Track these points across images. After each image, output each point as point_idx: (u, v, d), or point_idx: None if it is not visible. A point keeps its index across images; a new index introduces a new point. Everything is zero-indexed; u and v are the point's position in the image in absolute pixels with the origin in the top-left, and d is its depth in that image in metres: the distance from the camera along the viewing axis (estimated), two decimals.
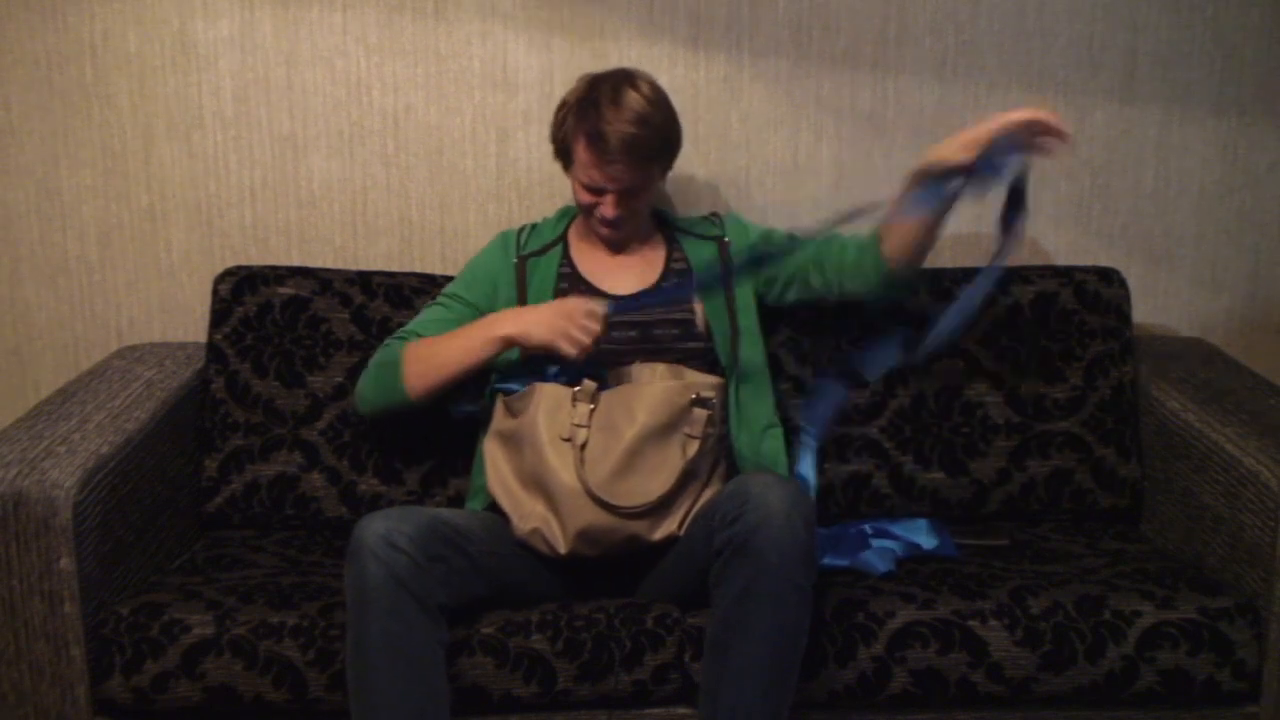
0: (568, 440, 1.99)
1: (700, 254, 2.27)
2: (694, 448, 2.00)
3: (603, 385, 2.04)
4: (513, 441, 2.06)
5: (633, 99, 2.12)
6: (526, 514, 2.01)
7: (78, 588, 1.91)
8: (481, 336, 2.10)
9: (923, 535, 2.21)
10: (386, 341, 2.23)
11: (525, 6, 2.50)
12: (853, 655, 1.96)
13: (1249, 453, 2.05)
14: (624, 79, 2.16)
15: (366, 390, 2.22)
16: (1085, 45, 2.55)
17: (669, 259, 2.27)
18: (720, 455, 2.09)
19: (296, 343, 2.38)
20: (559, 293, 2.20)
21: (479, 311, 2.21)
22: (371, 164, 2.56)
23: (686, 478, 2.00)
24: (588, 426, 2.00)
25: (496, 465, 2.07)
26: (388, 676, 1.79)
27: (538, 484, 2.01)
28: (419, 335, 2.19)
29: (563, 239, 2.29)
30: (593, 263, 2.25)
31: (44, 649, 1.92)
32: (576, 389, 2.02)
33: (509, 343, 2.09)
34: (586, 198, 2.19)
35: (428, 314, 2.24)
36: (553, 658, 1.94)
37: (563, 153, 2.23)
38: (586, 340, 2.03)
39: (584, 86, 2.18)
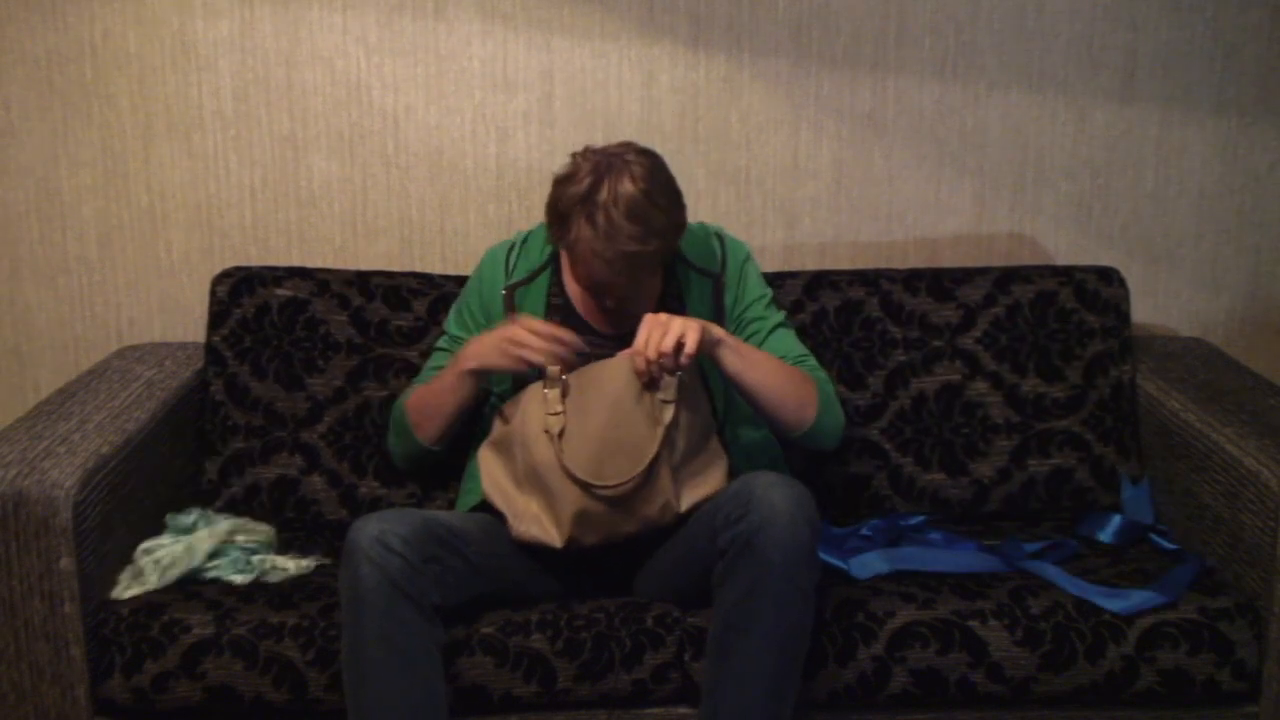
0: (548, 431, 1.98)
1: (695, 297, 2.15)
2: (669, 413, 1.96)
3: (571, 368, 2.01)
4: (504, 446, 2.05)
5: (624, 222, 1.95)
6: (520, 512, 2.00)
7: (78, 588, 1.90)
8: (454, 373, 2.10)
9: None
10: (403, 395, 2.24)
11: (525, 6, 2.50)
12: (853, 655, 1.96)
13: (1249, 453, 2.05)
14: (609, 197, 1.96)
15: (394, 449, 2.26)
16: (1085, 45, 2.55)
17: (665, 292, 2.15)
18: (707, 416, 2.04)
19: (295, 345, 2.37)
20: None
21: None
22: (371, 164, 2.56)
23: (666, 444, 1.96)
24: (563, 412, 1.97)
25: (490, 472, 2.06)
26: (384, 678, 1.79)
27: (530, 479, 2.00)
28: (427, 385, 2.19)
29: (551, 262, 2.17)
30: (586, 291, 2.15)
31: (44, 649, 1.92)
32: (545, 378, 1.99)
33: (477, 374, 2.08)
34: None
35: (435, 361, 2.24)
36: (553, 657, 1.94)
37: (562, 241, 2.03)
38: (515, 352, 1.99)
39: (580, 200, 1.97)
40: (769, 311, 2.20)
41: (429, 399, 2.15)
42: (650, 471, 1.95)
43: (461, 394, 2.11)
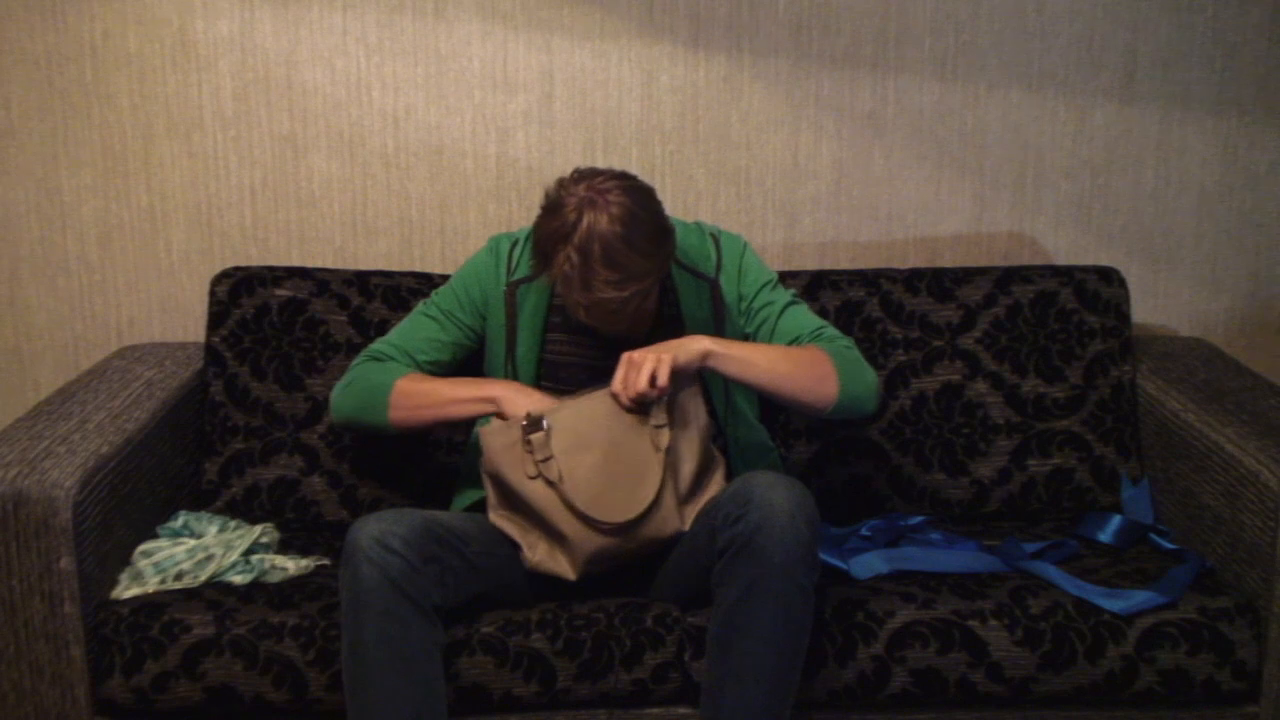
0: (536, 478, 1.93)
1: (691, 302, 2.13)
2: (665, 437, 1.95)
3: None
4: (495, 482, 2.00)
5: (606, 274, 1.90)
6: (532, 544, 1.99)
7: (78, 588, 1.91)
8: (472, 394, 2.06)
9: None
10: (371, 353, 2.17)
11: (525, 6, 2.51)
12: (853, 655, 1.96)
13: (1249, 453, 2.05)
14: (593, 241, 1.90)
15: (346, 405, 2.16)
16: (1085, 45, 2.55)
17: (662, 301, 2.12)
18: (706, 424, 2.03)
19: (295, 345, 2.37)
20: (551, 326, 2.12)
21: (474, 332, 2.17)
22: (371, 164, 2.56)
23: (670, 469, 1.95)
24: (552, 456, 1.93)
25: (493, 501, 2.02)
26: (383, 678, 1.79)
27: (535, 524, 1.98)
28: (407, 352, 2.14)
29: None
30: None
31: (44, 649, 1.92)
32: (523, 423, 1.94)
33: (494, 404, 2.03)
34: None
35: (420, 327, 2.17)
36: (552, 657, 1.94)
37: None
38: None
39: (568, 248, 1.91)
40: (775, 294, 2.16)
41: (422, 397, 2.10)
42: (657, 499, 1.94)
43: (467, 413, 2.07)
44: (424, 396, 2.10)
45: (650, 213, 1.96)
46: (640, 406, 1.94)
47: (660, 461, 1.95)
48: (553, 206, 1.94)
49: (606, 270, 1.89)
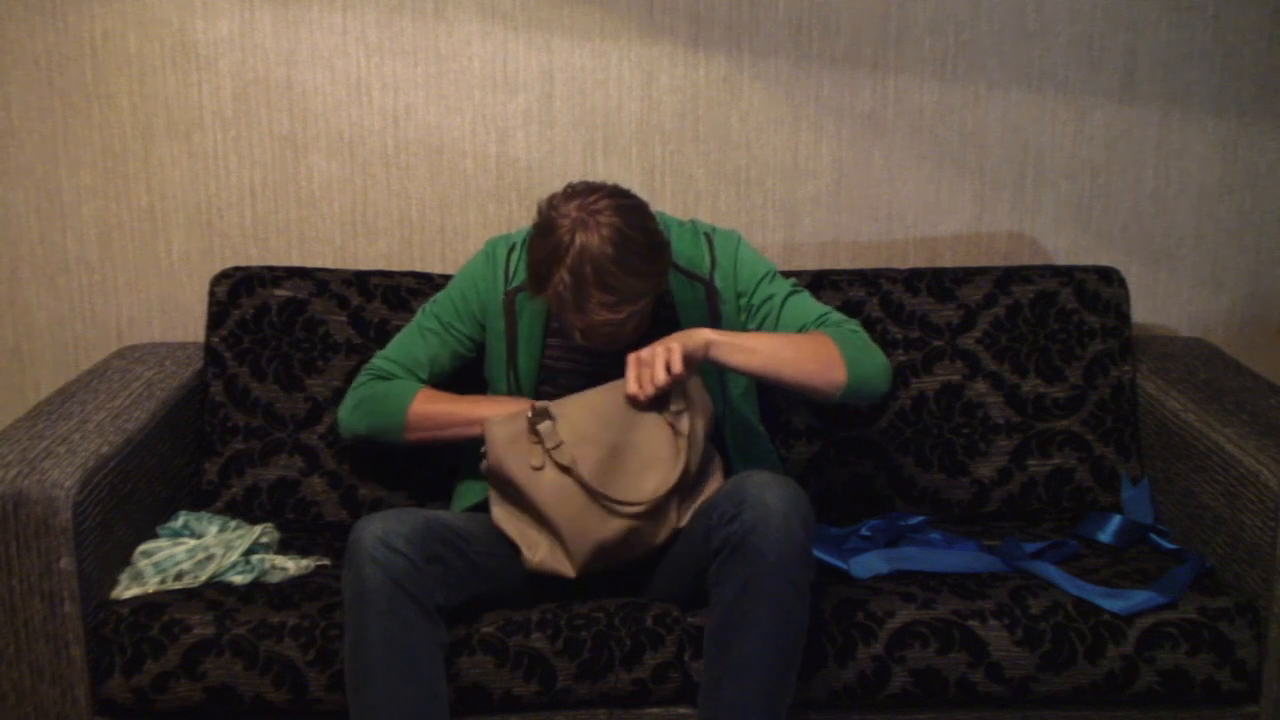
0: (541, 468, 1.93)
1: (687, 304, 2.12)
2: (685, 421, 1.94)
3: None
4: (495, 479, 2.00)
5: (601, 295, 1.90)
6: (533, 543, 1.98)
7: (78, 588, 1.91)
8: (493, 415, 2.03)
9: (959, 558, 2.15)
10: (375, 370, 2.17)
11: (525, 6, 2.51)
12: (852, 655, 1.96)
13: (1249, 453, 2.05)
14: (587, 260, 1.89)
15: (359, 425, 2.18)
16: (1085, 45, 2.55)
17: (658, 304, 2.08)
18: (711, 414, 2.03)
19: (295, 345, 2.37)
20: (550, 332, 2.12)
21: (473, 341, 2.17)
22: (371, 164, 2.56)
23: (690, 451, 1.94)
24: (563, 443, 1.93)
25: (496, 501, 2.01)
26: (386, 677, 1.80)
27: (537, 520, 1.97)
28: (408, 368, 2.15)
29: None
30: None
31: (44, 649, 1.92)
32: (530, 415, 1.94)
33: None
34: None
35: (419, 341, 2.17)
36: (552, 656, 1.94)
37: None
38: None
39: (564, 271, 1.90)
40: (775, 286, 2.14)
41: (442, 418, 2.11)
42: (679, 483, 1.93)
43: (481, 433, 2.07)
44: (444, 418, 2.11)
45: (643, 231, 1.95)
46: (656, 401, 1.94)
47: (683, 446, 1.94)
48: (545, 227, 1.93)
49: (600, 292, 1.89)
